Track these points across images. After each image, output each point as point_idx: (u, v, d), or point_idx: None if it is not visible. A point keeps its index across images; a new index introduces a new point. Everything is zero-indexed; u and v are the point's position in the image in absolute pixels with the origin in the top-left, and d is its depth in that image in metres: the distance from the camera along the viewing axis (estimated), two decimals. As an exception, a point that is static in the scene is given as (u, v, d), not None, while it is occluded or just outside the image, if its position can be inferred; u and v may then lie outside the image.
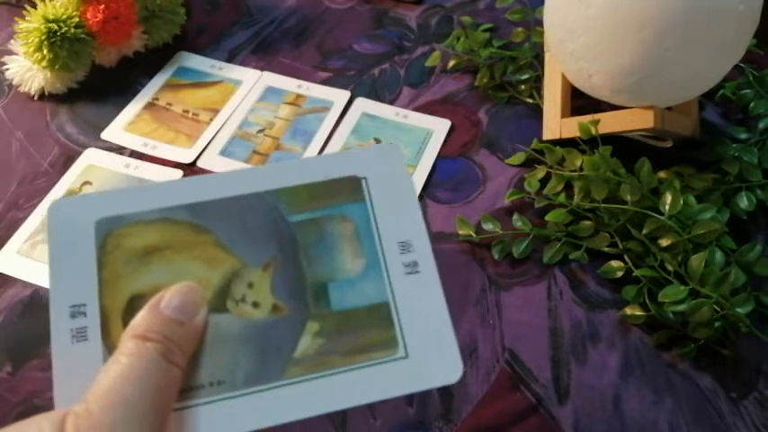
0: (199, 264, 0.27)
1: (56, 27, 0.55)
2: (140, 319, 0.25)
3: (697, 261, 0.42)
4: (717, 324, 0.41)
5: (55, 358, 0.26)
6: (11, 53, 0.60)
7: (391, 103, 0.59)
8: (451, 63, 0.62)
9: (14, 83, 0.59)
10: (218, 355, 0.26)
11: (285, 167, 0.29)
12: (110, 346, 0.26)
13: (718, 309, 0.41)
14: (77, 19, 0.56)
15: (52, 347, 0.26)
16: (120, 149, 0.55)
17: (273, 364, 0.26)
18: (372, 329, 0.27)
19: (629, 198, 0.45)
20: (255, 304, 0.27)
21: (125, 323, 0.26)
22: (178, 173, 0.53)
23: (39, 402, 0.41)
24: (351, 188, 0.29)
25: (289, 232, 0.28)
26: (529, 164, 0.54)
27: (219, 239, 0.28)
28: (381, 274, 0.28)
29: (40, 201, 0.51)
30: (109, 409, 0.22)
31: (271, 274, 0.27)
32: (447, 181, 0.53)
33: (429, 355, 0.26)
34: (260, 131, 0.57)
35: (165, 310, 0.25)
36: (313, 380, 0.26)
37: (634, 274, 0.45)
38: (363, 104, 0.59)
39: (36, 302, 0.46)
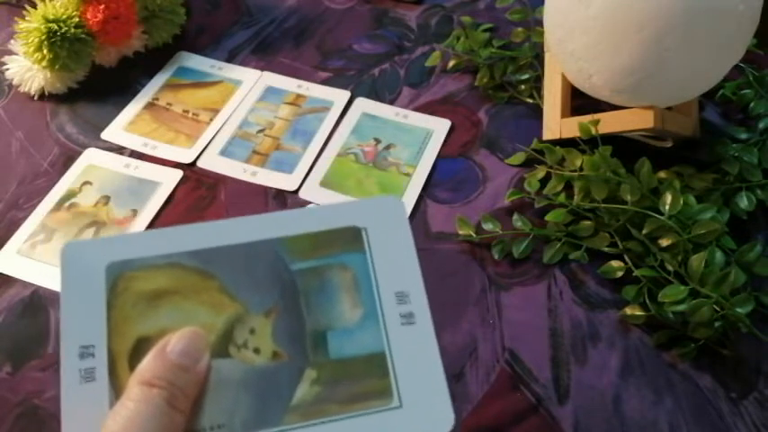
0: (204, 309, 0.28)
1: (56, 27, 0.55)
2: (147, 364, 0.26)
3: (697, 261, 0.42)
4: (717, 324, 0.41)
5: (63, 397, 0.26)
6: (11, 53, 0.60)
7: (391, 103, 0.59)
8: (451, 63, 0.62)
9: (14, 83, 0.59)
10: (219, 399, 0.27)
11: (289, 216, 0.30)
12: (116, 387, 0.27)
13: (718, 309, 0.41)
14: (77, 19, 0.56)
15: (61, 386, 0.26)
16: (120, 149, 0.55)
17: (272, 411, 0.26)
18: (368, 379, 0.27)
19: (629, 198, 0.45)
20: (257, 350, 0.28)
21: (131, 365, 0.27)
22: (178, 173, 0.53)
23: (38, 402, 0.41)
24: (351, 238, 0.30)
25: (290, 280, 0.29)
26: (529, 164, 0.54)
27: (225, 285, 0.29)
28: (378, 323, 0.28)
29: (40, 201, 0.51)
30: None
31: (272, 321, 0.28)
32: (447, 181, 0.53)
33: (422, 405, 0.27)
34: (260, 131, 0.57)
35: (171, 356, 0.26)
36: (310, 427, 0.26)
37: (634, 274, 0.45)
38: (363, 104, 0.59)
39: (36, 302, 0.46)
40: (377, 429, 0.26)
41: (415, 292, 0.29)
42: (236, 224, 0.30)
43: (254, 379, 0.27)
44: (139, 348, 0.27)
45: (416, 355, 0.28)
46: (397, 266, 0.29)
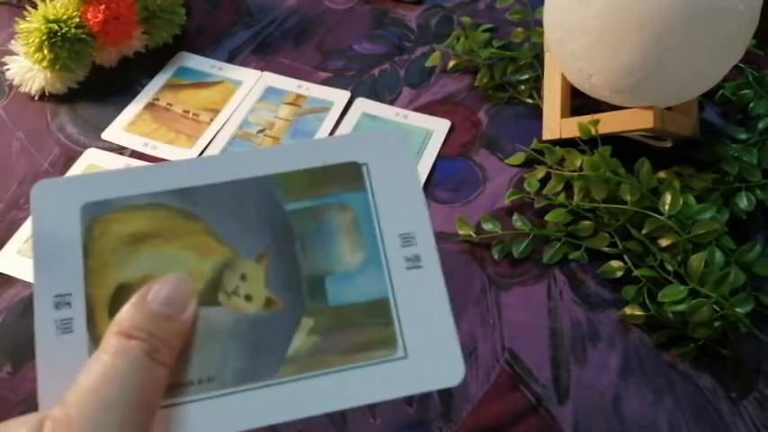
0: (190, 253, 0.26)
1: (56, 27, 0.55)
2: (125, 313, 0.24)
3: (697, 261, 0.42)
4: (716, 324, 0.41)
5: (39, 351, 0.24)
6: (11, 53, 0.60)
7: (391, 103, 0.59)
8: (451, 63, 0.62)
9: (15, 83, 0.59)
10: (208, 350, 0.25)
11: (282, 150, 0.28)
12: (95, 339, 0.25)
13: (717, 309, 0.41)
14: (78, 19, 0.56)
15: (36, 339, 0.25)
16: (120, 149, 0.55)
17: (266, 362, 0.25)
18: (370, 327, 0.25)
19: (628, 198, 0.45)
20: (248, 297, 0.26)
21: (111, 314, 0.25)
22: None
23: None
24: (351, 175, 0.27)
25: (284, 221, 0.27)
26: (529, 164, 0.54)
27: (212, 228, 0.26)
28: (381, 268, 0.26)
29: (40, 201, 0.51)
30: (89, 415, 0.21)
31: (265, 266, 0.26)
32: (447, 181, 0.53)
33: (429, 355, 0.25)
34: (260, 131, 0.57)
35: (152, 304, 0.24)
36: (306, 379, 0.24)
37: (634, 274, 0.45)
38: (363, 105, 0.59)
39: (36, 302, 0.46)
40: (380, 381, 0.24)
41: (422, 233, 0.27)
42: (224, 161, 0.27)
43: (245, 328, 0.25)
44: (120, 296, 0.25)
45: (423, 302, 0.25)
46: (401, 206, 0.27)
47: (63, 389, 0.23)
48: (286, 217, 0.27)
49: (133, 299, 0.24)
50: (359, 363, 0.25)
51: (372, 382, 0.24)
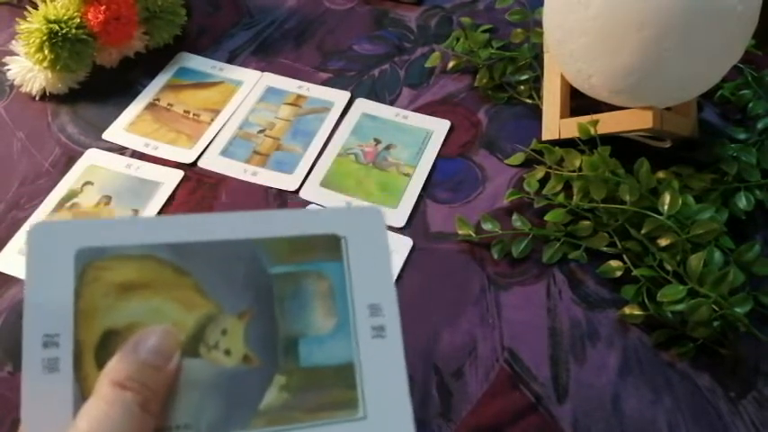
0: (176, 306, 0.27)
1: (57, 28, 0.55)
2: (119, 363, 0.25)
3: (696, 261, 0.42)
4: (715, 323, 0.41)
5: (24, 386, 0.25)
6: (12, 54, 0.60)
7: (391, 103, 0.60)
8: (451, 64, 0.62)
9: (16, 83, 0.59)
10: (187, 399, 0.26)
11: (271, 217, 0.30)
12: (80, 380, 0.26)
13: (716, 308, 0.41)
14: (78, 20, 0.56)
15: (23, 374, 0.26)
16: (121, 150, 0.56)
17: (239, 414, 0.26)
18: (336, 389, 0.27)
19: (627, 198, 0.45)
20: (227, 352, 0.27)
21: (97, 358, 0.26)
22: (179, 173, 0.54)
23: (40, 401, 0.41)
24: (330, 246, 0.29)
25: (267, 283, 0.28)
26: (528, 164, 0.54)
27: (199, 283, 0.28)
28: (350, 334, 0.28)
29: (41, 201, 0.51)
30: None
31: (245, 324, 0.28)
32: (447, 181, 0.54)
33: (385, 418, 0.27)
34: (260, 132, 0.57)
35: (143, 354, 0.25)
36: None
37: (633, 274, 0.45)
38: (363, 105, 0.59)
39: (37, 302, 0.46)
40: None
41: (388, 305, 0.29)
42: (216, 220, 0.29)
43: (223, 381, 0.27)
44: (107, 341, 0.26)
45: (384, 369, 0.28)
46: (372, 278, 0.29)
47: (45, 424, 0.24)
48: (269, 279, 0.28)
49: (124, 349, 0.26)
50: (323, 420, 0.27)
51: None
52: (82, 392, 0.25)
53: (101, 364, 0.26)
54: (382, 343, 0.28)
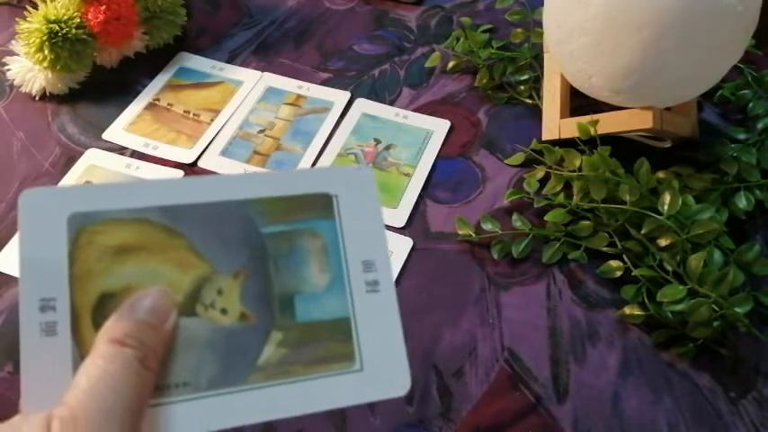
0: (171, 267, 0.28)
1: (57, 28, 0.55)
2: (116, 322, 0.26)
3: (696, 261, 0.42)
4: (715, 324, 0.41)
5: (23, 351, 0.26)
6: (12, 54, 0.60)
7: (391, 103, 0.60)
8: (451, 64, 0.62)
9: (16, 83, 0.59)
10: (185, 357, 0.27)
11: (262, 178, 0.30)
12: (78, 342, 0.26)
13: (716, 308, 0.41)
14: (78, 20, 0.56)
15: (21, 340, 0.26)
16: (121, 150, 0.56)
17: (237, 370, 0.27)
18: (332, 342, 0.28)
19: (627, 198, 0.45)
20: (224, 311, 0.28)
21: (94, 320, 0.26)
22: (179, 173, 0.54)
23: (40, 401, 0.41)
24: (322, 204, 0.30)
25: (260, 243, 0.29)
26: (528, 164, 0.54)
27: (193, 244, 0.28)
28: (344, 290, 0.29)
29: (41, 201, 0.51)
30: (91, 416, 0.23)
31: (240, 283, 0.28)
32: (447, 181, 0.54)
33: (381, 369, 0.28)
34: (260, 132, 0.57)
35: (139, 314, 0.26)
36: (273, 386, 0.27)
37: (633, 274, 0.45)
38: (363, 105, 0.59)
39: (37, 302, 0.46)
40: (338, 390, 0.27)
41: (381, 260, 0.29)
42: (207, 182, 0.29)
43: (220, 338, 0.27)
44: (103, 304, 0.27)
45: (379, 322, 0.28)
46: (364, 235, 0.30)
47: (47, 387, 0.25)
48: (262, 239, 0.29)
49: (121, 309, 0.26)
50: (320, 373, 0.27)
51: (331, 391, 0.27)
52: (81, 355, 0.26)
53: (98, 327, 0.26)
54: (377, 297, 0.29)
